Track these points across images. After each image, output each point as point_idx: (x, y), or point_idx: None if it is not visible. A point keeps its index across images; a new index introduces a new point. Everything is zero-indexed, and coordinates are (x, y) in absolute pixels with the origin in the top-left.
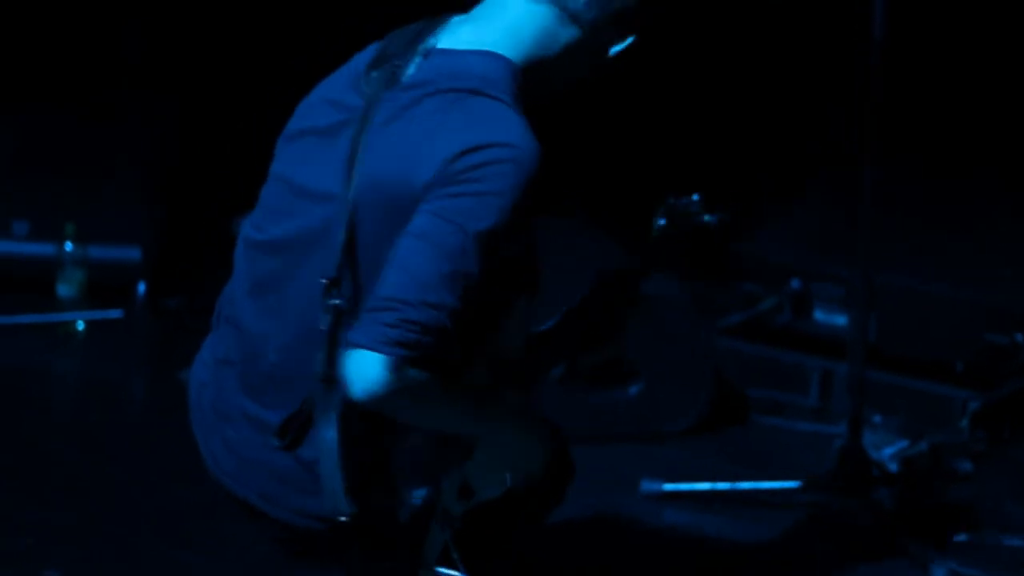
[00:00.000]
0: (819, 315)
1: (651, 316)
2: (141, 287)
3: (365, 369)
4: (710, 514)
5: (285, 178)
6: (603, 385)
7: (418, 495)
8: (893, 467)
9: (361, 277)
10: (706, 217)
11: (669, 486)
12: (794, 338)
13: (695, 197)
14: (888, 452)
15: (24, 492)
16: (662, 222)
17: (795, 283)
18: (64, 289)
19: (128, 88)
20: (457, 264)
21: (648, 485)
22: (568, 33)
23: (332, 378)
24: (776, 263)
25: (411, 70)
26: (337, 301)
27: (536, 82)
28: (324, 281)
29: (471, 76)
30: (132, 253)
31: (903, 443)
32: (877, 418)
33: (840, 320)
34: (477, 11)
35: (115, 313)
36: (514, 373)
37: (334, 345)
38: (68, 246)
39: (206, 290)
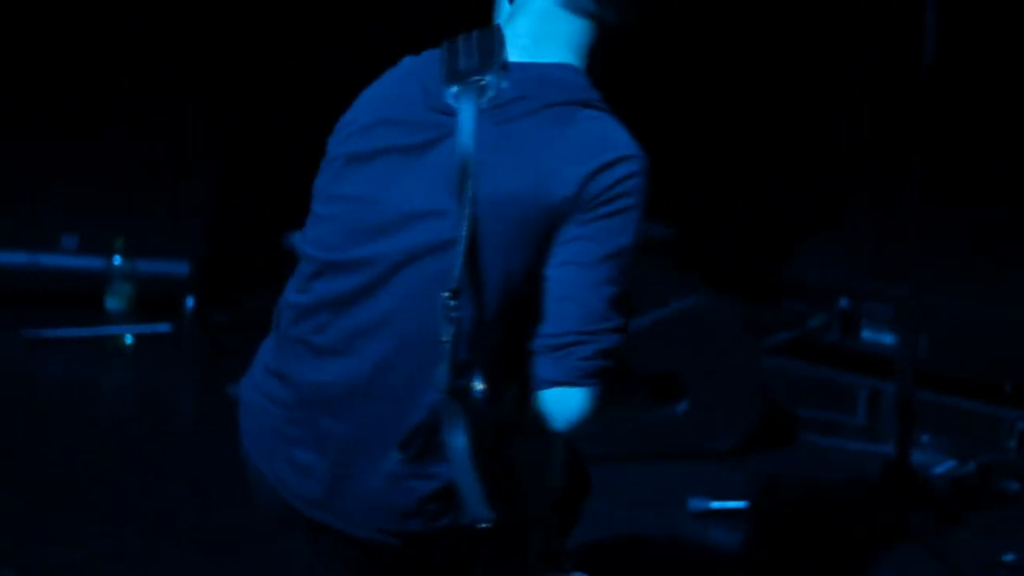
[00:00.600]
0: (867, 334)
1: (699, 334)
2: (189, 301)
3: (570, 405)
4: (756, 533)
5: (367, 199)
6: (650, 403)
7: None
8: (941, 487)
9: (482, 289)
10: (654, 230)
11: (716, 504)
12: (842, 357)
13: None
14: (936, 472)
15: (72, 506)
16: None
17: (844, 302)
18: (113, 303)
19: (177, 102)
20: (619, 285)
21: (695, 503)
22: (605, 42)
23: (456, 389)
24: (825, 282)
25: (503, 84)
26: (459, 313)
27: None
28: (446, 294)
29: (568, 87)
30: (180, 267)
31: (951, 463)
32: (925, 438)
33: (888, 339)
34: (521, 24)
35: (163, 327)
36: None
37: (456, 356)
38: (117, 260)
39: (254, 304)
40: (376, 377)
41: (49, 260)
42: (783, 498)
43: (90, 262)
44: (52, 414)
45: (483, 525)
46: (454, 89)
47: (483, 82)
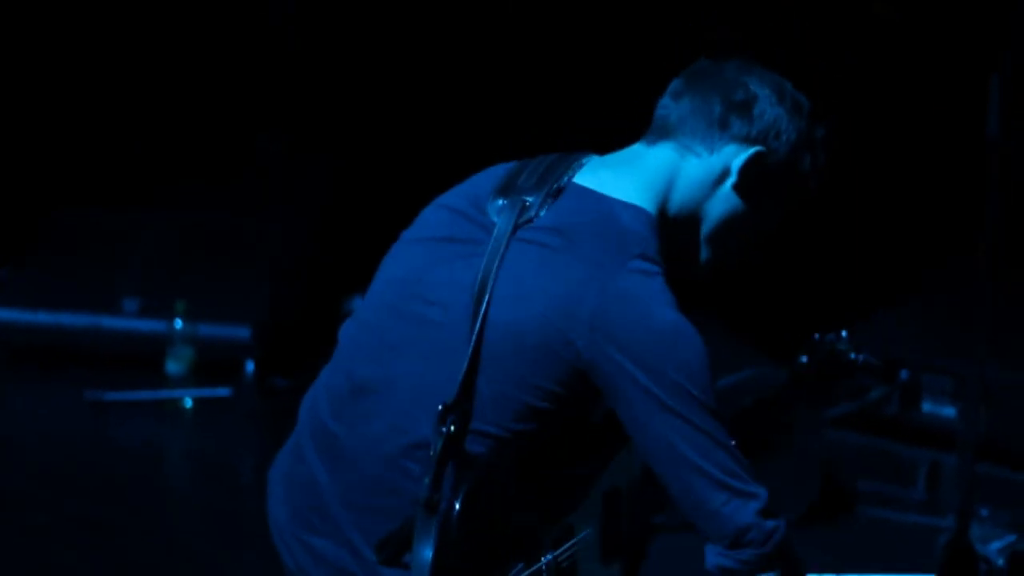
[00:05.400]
0: (928, 407)
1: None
2: (249, 365)
3: None
4: None
5: (407, 280)
6: None
7: None
8: (1000, 561)
9: (475, 409)
10: (852, 355)
11: None
12: (902, 430)
13: (843, 334)
14: (995, 546)
15: (129, 565)
16: (804, 359)
17: (904, 374)
18: (173, 366)
19: (245, 174)
20: (704, 451)
21: None
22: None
23: (435, 503)
24: (886, 354)
25: (544, 210)
26: (448, 429)
27: (681, 230)
28: (440, 407)
29: (613, 231)
30: (241, 331)
31: (1011, 537)
32: (984, 511)
33: (949, 412)
34: (615, 156)
35: (223, 391)
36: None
37: (441, 470)
38: (178, 323)
39: (314, 369)
40: (379, 474)
41: (111, 323)
42: (841, 571)
43: (151, 325)
44: (111, 475)
45: None
46: (500, 202)
47: (524, 202)
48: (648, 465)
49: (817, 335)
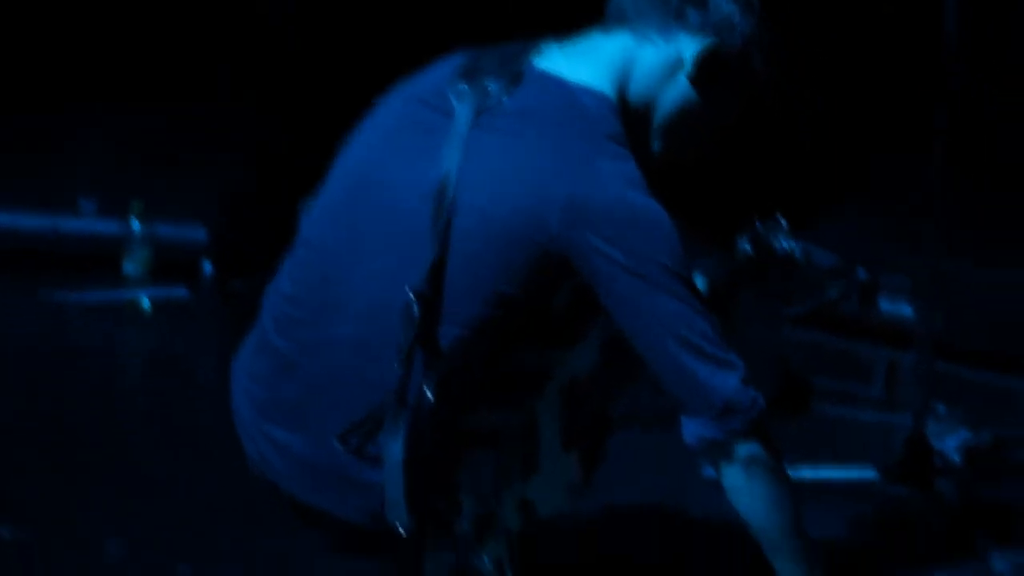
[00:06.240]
0: (885, 305)
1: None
2: (206, 266)
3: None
4: None
5: (368, 171)
6: None
7: (479, 506)
8: (956, 458)
9: (444, 297)
10: (787, 243)
11: None
12: (860, 328)
13: (782, 221)
14: (951, 443)
15: (87, 470)
16: (746, 247)
17: (861, 272)
18: (130, 267)
19: (201, 69)
20: (687, 321)
21: (710, 470)
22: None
23: (405, 394)
24: (843, 252)
25: (506, 94)
26: (419, 316)
27: (637, 119)
28: (411, 295)
29: (578, 115)
30: (198, 232)
31: (966, 434)
32: (941, 408)
33: (906, 310)
34: (573, 44)
35: (180, 292)
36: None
37: (411, 358)
38: (135, 224)
39: (272, 270)
40: (331, 360)
41: (67, 224)
42: (797, 468)
43: (108, 226)
44: (69, 377)
45: (401, 531)
46: (462, 87)
47: (486, 86)
48: (612, 349)
49: (758, 224)
